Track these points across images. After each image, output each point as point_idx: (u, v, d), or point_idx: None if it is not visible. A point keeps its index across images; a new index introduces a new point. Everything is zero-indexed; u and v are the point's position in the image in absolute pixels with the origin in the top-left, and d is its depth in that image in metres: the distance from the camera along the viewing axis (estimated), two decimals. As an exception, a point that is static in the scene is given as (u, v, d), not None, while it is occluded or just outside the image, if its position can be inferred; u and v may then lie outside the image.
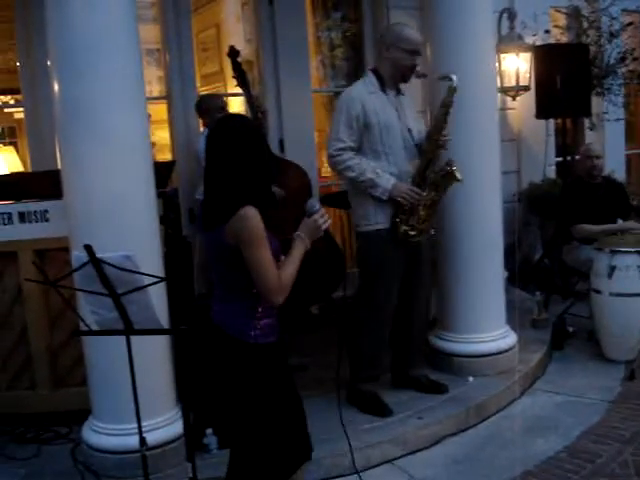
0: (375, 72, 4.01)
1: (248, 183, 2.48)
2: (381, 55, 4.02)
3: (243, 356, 2.55)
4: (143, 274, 2.24)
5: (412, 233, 3.93)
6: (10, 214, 3.89)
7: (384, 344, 4.13)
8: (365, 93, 3.93)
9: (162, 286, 3.38)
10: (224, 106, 5.24)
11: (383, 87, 3.96)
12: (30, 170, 5.37)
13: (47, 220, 3.88)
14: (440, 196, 3.99)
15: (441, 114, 3.89)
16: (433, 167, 3.96)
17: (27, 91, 5.07)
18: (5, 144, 7.78)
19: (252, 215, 2.41)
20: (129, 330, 2.40)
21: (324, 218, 2.60)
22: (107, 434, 3.43)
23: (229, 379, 2.61)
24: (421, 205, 3.91)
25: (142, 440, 2.56)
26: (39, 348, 4.00)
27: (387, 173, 3.88)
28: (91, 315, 2.48)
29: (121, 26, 3.27)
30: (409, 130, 3.96)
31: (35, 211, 3.89)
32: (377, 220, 3.94)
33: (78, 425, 3.67)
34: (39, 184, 4.09)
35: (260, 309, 2.54)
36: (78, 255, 2.30)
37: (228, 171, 2.47)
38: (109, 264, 2.22)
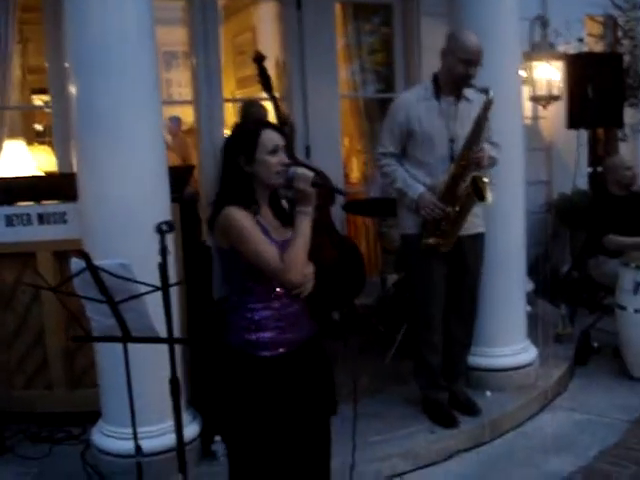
0: (434, 77, 3.93)
1: (226, 184, 2.47)
2: (441, 60, 3.91)
3: (232, 365, 2.49)
4: (138, 282, 2.23)
5: (430, 243, 3.85)
6: (29, 215, 3.93)
7: (435, 349, 4.02)
8: (413, 100, 3.89)
9: (177, 292, 3.41)
10: (261, 117, 5.15)
11: (438, 94, 3.87)
12: (57, 171, 5.44)
13: (65, 222, 3.92)
14: (464, 213, 3.85)
15: (474, 130, 3.75)
16: (464, 183, 3.81)
17: (55, 92, 5.16)
18: (44, 143, 7.89)
19: (234, 211, 2.38)
20: (126, 337, 2.40)
21: (303, 175, 2.41)
22: (115, 437, 3.43)
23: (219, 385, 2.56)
24: (445, 220, 3.81)
25: (138, 448, 2.56)
26: (55, 348, 4.04)
27: (421, 183, 3.84)
28: (91, 321, 2.49)
29: (137, 29, 3.28)
30: (452, 141, 3.83)
31: (54, 213, 3.93)
32: (408, 225, 3.95)
33: (93, 426, 3.66)
34: (61, 185, 4.13)
35: (257, 320, 2.45)
36: (76, 261, 2.30)
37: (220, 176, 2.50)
38: (105, 271, 2.22)
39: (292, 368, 2.50)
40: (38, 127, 8.78)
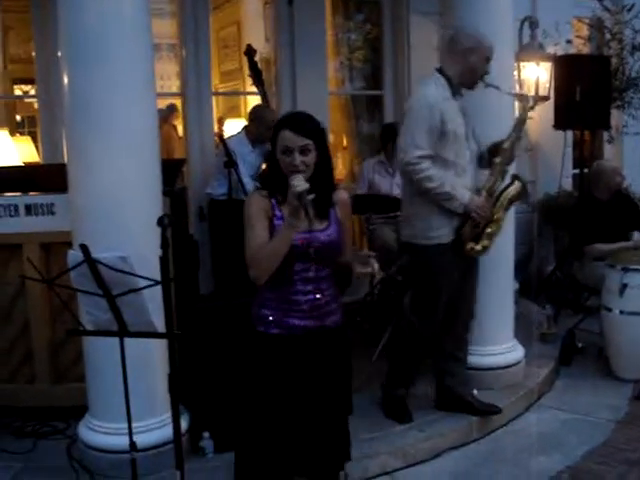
0: (443, 75, 3.80)
1: (264, 172, 2.73)
2: (451, 59, 3.79)
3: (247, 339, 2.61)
4: (137, 276, 2.19)
5: (477, 248, 3.80)
6: (17, 206, 3.86)
7: (422, 355, 4.03)
8: (440, 99, 3.72)
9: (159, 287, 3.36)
10: (274, 120, 5.04)
11: (453, 92, 3.79)
12: (42, 161, 5.37)
13: (53, 213, 3.85)
14: (506, 213, 3.88)
15: (517, 131, 3.79)
16: (501, 182, 3.82)
17: (42, 81, 5.08)
18: (23, 134, 7.78)
19: (251, 196, 2.59)
20: (123, 332, 2.36)
21: (292, 185, 2.37)
22: (102, 432, 3.40)
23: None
24: (491, 222, 3.78)
25: (132, 444, 2.51)
26: (40, 342, 3.97)
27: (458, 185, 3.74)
28: (86, 315, 2.44)
29: (132, 18, 3.24)
30: (467, 139, 3.80)
31: (41, 204, 3.86)
32: (439, 234, 3.76)
33: (77, 421, 3.62)
34: (48, 177, 4.07)
35: (264, 297, 2.58)
36: (74, 254, 2.25)
37: None
38: (104, 264, 2.18)
39: (293, 352, 2.57)
40: (17, 118, 8.67)
